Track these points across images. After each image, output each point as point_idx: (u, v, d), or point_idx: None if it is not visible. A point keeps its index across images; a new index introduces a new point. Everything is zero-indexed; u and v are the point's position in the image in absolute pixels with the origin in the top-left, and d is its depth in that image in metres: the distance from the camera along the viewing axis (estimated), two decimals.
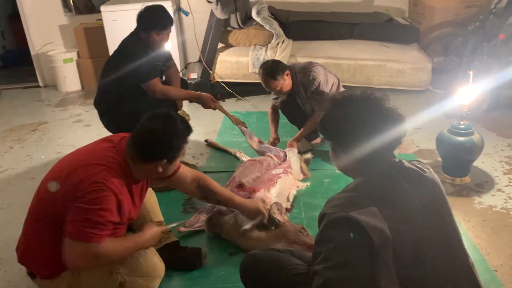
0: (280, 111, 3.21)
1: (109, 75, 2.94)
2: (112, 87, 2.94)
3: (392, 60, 4.11)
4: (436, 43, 4.54)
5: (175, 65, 3.35)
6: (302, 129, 2.98)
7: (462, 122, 2.61)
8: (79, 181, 1.59)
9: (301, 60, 4.02)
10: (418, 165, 1.38)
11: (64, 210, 1.61)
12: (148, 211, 2.18)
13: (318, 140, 3.23)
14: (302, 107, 3.05)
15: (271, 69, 2.82)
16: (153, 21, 2.83)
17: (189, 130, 1.75)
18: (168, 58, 3.26)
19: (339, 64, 4.11)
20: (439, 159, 2.95)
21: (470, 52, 3.92)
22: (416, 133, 3.38)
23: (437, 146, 2.76)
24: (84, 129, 3.85)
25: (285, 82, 2.84)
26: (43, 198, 1.70)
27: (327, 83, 2.87)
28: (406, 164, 1.35)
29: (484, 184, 2.70)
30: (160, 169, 1.71)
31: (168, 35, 2.95)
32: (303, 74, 2.89)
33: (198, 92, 3.08)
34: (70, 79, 4.93)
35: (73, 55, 4.90)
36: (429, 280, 1.23)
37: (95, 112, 4.11)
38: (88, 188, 1.58)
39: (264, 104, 4.15)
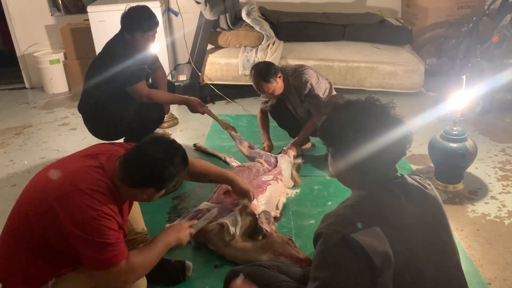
0: (269, 115, 3.13)
1: (93, 79, 2.86)
2: (96, 91, 2.86)
3: (385, 62, 4.04)
4: (429, 45, 4.48)
5: (161, 67, 3.27)
6: (300, 134, 2.90)
7: (455, 128, 2.55)
8: (74, 212, 1.51)
9: (292, 62, 3.96)
10: (420, 181, 1.32)
11: (56, 235, 1.55)
12: (130, 221, 2.10)
13: (308, 145, 3.16)
14: (293, 111, 2.97)
15: (263, 71, 2.73)
16: (137, 22, 2.75)
17: (185, 164, 1.69)
18: (154, 60, 3.19)
19: (330, 66, 4.04)
20: (432, 164, 2.89)
21: (463, 54, 3.86)
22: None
23: (429, 152, 2.69)
24: (70, 133, 3.75)
25: (278, 85, 2.76)
26: (29, 218, 1.59)
27: (320, 86, 2.80)
28: (408, 180, 1.29)
29: (477, 191, 2.63)
30: (145, 196, 1.65)
31: (153, 36, 2.87)
32: (295, 77, 2.81)
33: (185, 96, 2.99)
34: (56, 80, 4.82)
35: (60, 56, 4.79)
36: None
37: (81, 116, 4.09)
38: (87, 220, 1.50)
39: (254, 106, 4.07)
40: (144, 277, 1.84)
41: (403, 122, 1.26)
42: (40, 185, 1.64)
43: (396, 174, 1.29)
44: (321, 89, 2.79)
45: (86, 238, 1.50)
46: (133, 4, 2.87)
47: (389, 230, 1.16)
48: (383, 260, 1.12)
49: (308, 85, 2.77)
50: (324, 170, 2.93)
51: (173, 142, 1.68)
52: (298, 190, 2.69)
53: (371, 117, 1.24)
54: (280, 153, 2.92)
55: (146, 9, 2.92)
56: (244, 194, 2.18)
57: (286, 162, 2.71)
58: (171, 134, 3.62)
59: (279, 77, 2.75)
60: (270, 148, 3.03)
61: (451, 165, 2.58)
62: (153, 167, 1.58)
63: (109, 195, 1.58)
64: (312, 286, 1.17)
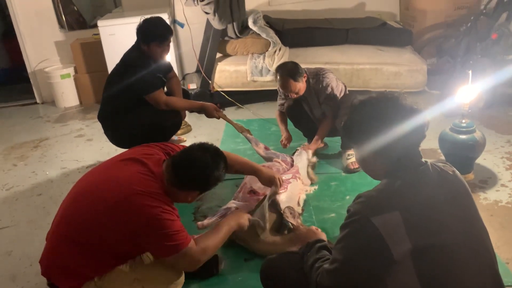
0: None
1: (112, 89, 2.98)
2: (115, 100, 2.97)
3: (388, 63, 4.18)
4: (429, 45, 4.63)
5: (176, 76, 3.40)
6: (319, 133, 3.00)
7: (463, 121, 2.67)
8: (139, 213, 1.65)
9: None
10: (444, 168, 1.40)
11: (116, 235, 1.68)
12: None
13: (321, 145, 3.27)
14: (309, 112, 3.08)
15: (293, 70, 2.81)
16: (153, 33, 2.88)
17: (226, 169, 1.88)
18: (169, 69, 3.31)
19: (335, 69, 4.16)
20: (442, 157, 3.00)
21: (464, 52, 4.00)
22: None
23: (440, 145, 2.81)
24: (87, 144, 3.85)
25: (303, 85, 2.86)
26: (86, 222, 1.71)
27: (338, 89, 2.91)
28: (433, 166, 1.37)
29: (487, 180, 2.75)
30: (189, 198, 1.82)
31: (168, 46, 3.00)
32: (317, 80, 2.91)
33: (201, 102, 3.11)
34: (68, 94, 4.93)
35: (70, 70, 4.91)
36: (456, 286, 1.25)
37: (96, 127, 4.20)
38: (152, 217, 1.65)
39: (264, 111, 4.19)
40: (183, 273, 1.95)
41: (415, 108, 1.36)
42: (93, 190, 1.76)
43: (421, 160, 1.38)
44: (339, 92, 2.91)
45: (155, 232, 1.65)
46: (147, 16, 3.00)
47: (412, 216, 1.25)
48: (398, 247, 1.22)
49: (329, 88, 2.88)
50: (339, 168, 3.04)
51: (218, 149, 1.85)
52: (316, 187, 2.80)
53: (388, 107, 1.34)
54: (296, 151, 3.03)
55: (160, 20, 3.05)
56: (271, 182, 2.29)
57: (302, 161, 2.82)
58: (186, 140, 3.73)
59: (304, 77, 2.86)
60: (289, 139, 3.12)
61: (461, 155, 2.70)
62: (202, 171, 1.75)
63: (163, 195, 1.74)
64: (331, 267, 1.35)
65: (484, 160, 2.95)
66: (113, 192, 1.70)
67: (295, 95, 2.87)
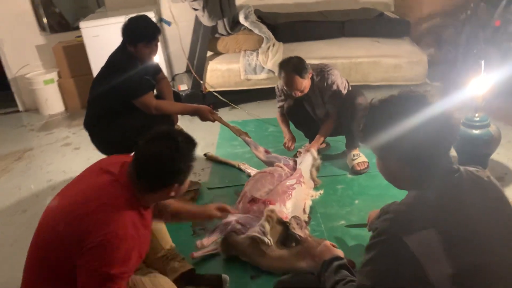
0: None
1: (98, 94, 2.77)
2: (102, 106, 2.76)
3: (387, 56, 4.01)
4: (427, 36, 4.46)
5: (165, 77, 3.18)
6: (322, 132, 2.81)
7: (476, 114, 2.50)
8: (88, 231, 1.41)
9: None
10: (477, 173, 1.23)
11: (69, 255, 1.44)
12: (157, 238, 2.01)
13: (323, 145, 3.09)
14: (311, 112, 2.89)
15: (298, 66, 2.61)
16: (139, 33, 2.67)
17: (194, 145, 1.57)
18: (158, 70, 3.10)
19: (333, 64, 3.95)
20: (453, 153, 2.83)
21: (466, 42, 3.84)
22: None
23: None
24: (74, 153, 3.63)
25: (308, 82, 2.67)
26: (47, 240, 1.50)
27: (342, 86, 2.73)
28: (467, 172, 1.21)
29: (504, 176, 2.59)
30: (173, 193, 1.57)
31: (156, 46, 2.79)
32: (321, 78, 2.72)
33: (194, 104, 2.91)
34: (52, 101, 4.69)
35: (54, 75, 4.66)
36: None
37: (83, 134, 3.95)
38: (99, 240, 1.40)
39: (259, 110, 4.00)
40: None
41: (443, 107, 1.19)
42: (60, 209, 1.55)
43: (453, 167, 1.21)
44: (343, 89, 2.73)
45: (90, 263, 1.39)
46: (132, 15, 2.79)
47: (449, 233, 1.09)
48: (436, 271, 1.06)
49: (334, 86, 2.70)
50: (344, 169, 2.86)
51: (168, 130, 1.57)
52: (322, 191, 2.62)
53: (414, 107, 1.18)
54: (298, 153, 2.84)
55: (147, 19, 2.83)
56: (208, 218, 2.03)
57: (304, 162, 2.63)
58: None
59: (310, 74, 2.66)
60: (293, 140, 2.94)
61: (475, 152, 2.53)
62: (163, 164, 1.48)
63: (129, 209, 1.49)
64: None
65: (497, 154, 2.78)
66: (75, 207, 1.48)
67: (300, 94, 2.66)
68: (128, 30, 2.71)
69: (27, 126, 4.47)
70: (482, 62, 2.42)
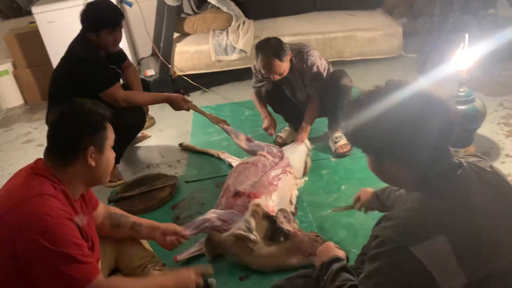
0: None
1: (59, 88, 2.54)
2: (64, 101, 2.53)
3: (362, 29, 3.88)
4: (400, 5, 4.35)
5: (132, 64, 2.99)
6: (306, 121, 2.67)
7: (461, 89, 2.41)
8: (18, 225, 1.27)
9: None
10: (480, 164, 1.13)
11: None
12: (131, 246, 1.87)
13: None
14: (290, 96, 2.74)
15: (277, 48, 2.43)
16: (102, 19, 2.45)
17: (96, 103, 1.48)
18: (123, 58, 2.89)
19: (307, 40, 3.80)
20: None
21: (440, 10, 3.73)
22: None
23: None
24: (37, 150, 3.37)
25: (288, 65, 2.50)
26: None
27: (322, 67, 2.59)
28: (470, 166, 1.10)
29: (490, 151, 2.54)
30: (93, 163, 1.41)
31: (121, 32, 2.58)
32: (300, 59, 2.55)
33: (166, 93, 2.72)
34: (8, 94, 4.35)
35: (8, 66, 4.31)
36: None
37: (46, 129, 3.70)
38: (35, 229, 1.25)
39: (233, 93, 3.82)
40: None
41: (441, 95, 1.09)
42: None
43: (455, 161, 1.11)
44: (323, 70, 2.60)
45: (56, 251, 1.25)
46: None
47: (460, 237, 1.00)
48: (449, 281, 0.97)
49: (315, 68, 2.55)
50: (326, 153, 2.75)
51: (73, 100, 1.48)
52: (306, 179, 2.51)
53: (407, 100, 1.07)
54: (278, 136, 2.72)
55: (108, 2, 2.62)
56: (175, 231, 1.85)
57: (298, 152, 2.50)
58: (150, 136, 3.34)
59: (289, 56, 2.49)
60: (274, 124, 2.79)
61: (461, 128, 2.45)
62: (64, 125, 1.40)
63: (54, 193, 1.34)
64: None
65: (481, 128, 2.72)
66: (1, 205, 1.32)
67: (279, 77, 2.50)
68: (88, 16, 2.48)
69: None
70: (466, 35, 2.31)
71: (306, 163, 2.52)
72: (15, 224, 1.27)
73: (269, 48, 2.42)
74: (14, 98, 4.39)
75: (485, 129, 2.73)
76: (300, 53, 2.55)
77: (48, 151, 1.42)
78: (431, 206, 1.05)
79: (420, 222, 1.03)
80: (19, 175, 1.43)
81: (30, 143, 3.55)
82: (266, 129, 2.79)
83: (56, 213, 1.30)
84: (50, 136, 1.42)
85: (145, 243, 1.92)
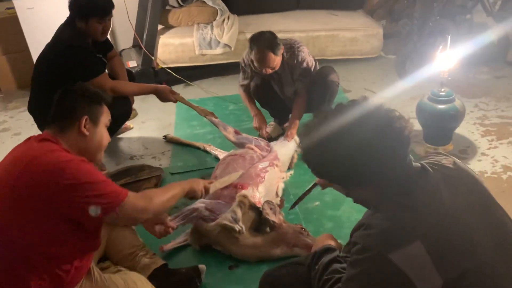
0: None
1: (44, 76, 2.49)
2: (50, 89, 2.46)
3: (344, 29, 3.96)
4: (381, 8, 4.45)
5: (118, 55, 2.96)
6: (294, 117, 2.69)
7: (442, 89, 2.51)
8: (39, 178, 1.33)
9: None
10: (443, 163, 1.15)
11: (39, 225, 1.33)
12: (123, 234, 1.88)
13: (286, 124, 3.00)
14: (278, 91, 2.77)
15: (272, 42, 2.44)
16: (91, 7, 2.42)
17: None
18: (109, 47, 2.86)
19: (290, 38, 3.87)
20: (415, 127, 2.85)
21: (419, 14, 3.85)
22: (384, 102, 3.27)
23: (417, 115, 2.65)
24: (14, 139, 3.28)
25: (280, 59, 2.52)
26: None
27: (310, 64, 2.63)
28: (433, 167, 1.12)
29: (466, 149, 2.65)
30: (86, 132, 1.49)
31: (109, 21, 2.54)
32: (291, 54, 2.58)
33: (153, 84, 2.71)
34: None
35: None
36: None
37: (23, 118, 3.62)
38: (56, 175, 1.32)
39: (216, 87, 3.83)
40: None
41: (389, 110, 1.08)
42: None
43: (418, 167, 1.11)
44: (312, 67, 2.64)
45: (80, 183, 1.33)
46: None
47: (436, 240, 1.02)
48: (427, 283, 1.00)
49: (305, 64, 2.59)
50: None
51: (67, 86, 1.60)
52: (292, 172, 2.55)
53: (360, 126, 1.06)
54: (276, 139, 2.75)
55: None
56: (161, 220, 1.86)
57: (287, 147, 2.53)
58: (132, 127, 3.30)
59: (281, 50, 2.52)
60: (264, 121, 2.81)
61: (441, 126, 2.56)
62: (62, 95, 1.54)
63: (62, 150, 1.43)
64: None
65: (458, 128, 2.84)
66: (13, 168, 1.37)
67: (271, 71, 2.52)
68: (78, 3, 2.44)
69: None
70: (449, 37, 2.41)
71: (293, 158, 2.56)
72: (35, 180, 1.32)
73: (264, 41, 2.44)
74: None
75: (462, 129, 2.85)
76: (291, 48, 2.59)
77: (49, 123, 1.51)
78: (404, 214, 1.06)
79: (397, 230, 1.04)
80: (20, 145, 1.48)
81: (6, 131, 3.45)
82: (257, 129, 2.80)
83: (69, 157, 1.38)
84: (52, 109, 1.52)
85: (134, 233, 1.92)
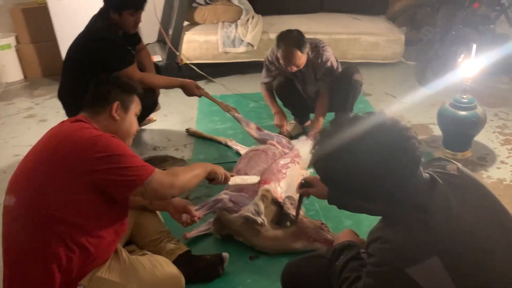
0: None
1: (75, 64, 2.57)
2: (80, 77, 2.56)
3: (366, 33, 4.00)
4: (403, 15, 4.49)
5: (146, 48, 3.02)
6: (318, 115, 2.74)
7: (465, 96, 2.55)
8: (73, 153, 1.41)
9: (274, 36, 3.79)
10: (448, 172, 1.15)
11: (69, 194, 1.40)
12: (150, 220, 1.94)
13: (309, 123, 3.05)
14: (301, 90, 2.83)
15: (299, 40, 2.50)
16: (126, 0, 2.48)
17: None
18: (138, 40, 2.92)
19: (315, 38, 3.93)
20: (434, 133, 2.91)
21: (442, 22, 3.88)
22: (403, 107, 3.31)
23: (438, 121, 2.69)
24: (40, 125, 3.37)
25: (305, 58, 2.57)
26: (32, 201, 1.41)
27: (334, 64, 2.69)
28: (442, 177, 1.11)
29: (485, 157, 2.68)
30: (117, 117, 1.59)
31: (141, 14, 2.61)
32: (316, 53, 2.64)
33: (180, 78, 2.77)
34: (9, 68, 4.31)
35: (11, 40, 4.28)
36: None
37: (49, 105, 3.71)
38: (88, 149, 1.40)
39: (238, 85, 3.89)
40: (181, 274, 1.71)
41: (405, 128, 1.07)
42: (31, 161, 1.49)
43: (426, 178, 1.11)
44: (335, 68, 2.69)
45: (110, 155, 1.40)
46: None
47: (452, 254, 1.03)
48: None
49: (329, 63, 2.64)
50: None
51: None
52: (312, 170, 2.60)
53: (373, 141, 1.05)
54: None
55: None
56: (184, 209, 1.92)
57: (306, 146, 2.58)
58: (155, 120, 3.38)
59: (307, 49, 2.57)
60: (285, 120, 2.85)
61: (461, 133, 2.59)
62: (97, 82, 1.66)
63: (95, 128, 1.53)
64: None
65: (477, 135, 2.87)
66: (49, 144, 1.47)
67: (296, 69, 2.57)
68: None
69: None
70: (474, 45, 2.44)
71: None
72: (69, 153, 1.41)
73: (291, 39, 2.50)
74: (14, 73, 4.35)
75: (482, 137, 2.87)
76: (316, 47, 2.64)
77: (84, 107, 1.62)
78: (421, 229, 1.05)
79: (414, 245, 1.04)
80: (56, 126, 1.57)
81: (32, 118, 3.54)
82: (279, 126, 2.85)
83: (101, 133, 1.47)
84: (88, 95, 1.64)
85: (160, 220, 1.99)
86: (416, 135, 1.07)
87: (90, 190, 1.41)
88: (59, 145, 1.43)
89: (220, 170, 1.80)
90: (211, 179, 1.79)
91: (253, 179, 2.13)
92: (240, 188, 2.23)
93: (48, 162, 1.42)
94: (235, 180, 1.96)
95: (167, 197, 1.59)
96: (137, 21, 2.58)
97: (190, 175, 1.62)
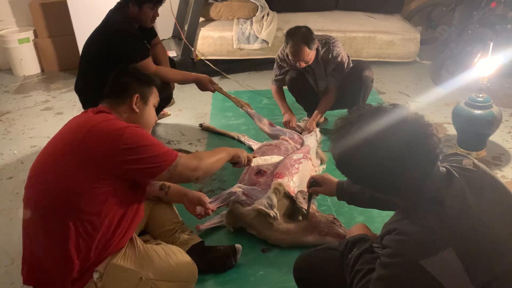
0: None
1: (92, 57, 2.61)
2: (97, 70, 2.60)
3: (381, 32, 3.99)
4: (419, 14, 4.46)
5: (161, 42, 3.04)
6: (318, 110, 2.76)
7: (480, 95, 2.53)
8: (100, 145, 1.45)
9: None
10: (464, 165, 1.16)
11: (91, 181, 1.43)
12: (165, 211, 1.97)
13: (321, 119, 3.06)
14: (313, 85, 2.84)
15: (307, 36, 2.52)
16: None
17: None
18: (154, 34, 2.96)
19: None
20: (449, 132, 2.90)
21: (458, 21, 3.85)
22: (417, 106, 3.30)
23: (453, 120, 2.67)
24: (57, 118, 3.43)
25: (314, 54, 2.60)
26: (52, 189, 1.45)
27: (344, 60, 2.70)
28: (459, 172, 1.12)
29: (500, 156, 2.66)
30: (137, 109, 1.63)
31: (158, 9, 2.64)
32: (326, 49, 2.66)
33: (195, 73, 2.80)
34: (27, 61, 4.39)
35: (29, 34, 4.35)
36: None
37: (65, 98, 3.77)
38: (129, 134, 1.45)
39: (250, 81, 3.91)
40: (195, 264, 1.73)
41: (427, 124, 1.08)
42: (51, 151, 1.52)
43: (442, 172, 1.11)
44: (346, 63, 2.70)
45: (136, 146, 1.45)
46: None
47: (467, 246, 1.04)
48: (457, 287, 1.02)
49: (339, 58, 2.65)
50: None
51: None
52: (324, 166, 2.61)
53: (396, 135, 1.04)
54: (297, 125, 2.82)
55: None
56: (200, 201, 1.94)
57: (312, 141, 2.59)
58: (169, 114, 3.41)
59: (316, 45, 2.59)
60: (294, 119, 2.87)
61: (476, 132, 2.58)
62: (116, 74, 1.69)
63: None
64: None
65: (492, 135, 2.85)
66: (75, 134, 1.49)
67: (304, 65, 2.60)
68: None
69: (1, 87, 4.19)
70: (491, 44, 2.42)
71: (317, 151, 2.59)
72: (98, 142, 1.44)
73: (300, 35, 2.52)
74: (32, 66, 4.43)
75: (497, 137, 2.85)
76: (326, 43, 2.66)
77: (104, 98, 1.65)
78: (437, 221, 1.06)
79: (429, 238, 1.05)
80: (79, 116, 1.61)
81: (49, 110, 3.60)
82: (286, 123, 2.87)
83: (126, 124, 1.50)
84: (107, 86, 1.67)
85: (175, 211, 2.02)
86: (438, 132, 1.07)
87: (114, 178, 1.45)
88: (88, 135, 1.46)
89: (243, 154, 1.86)
90: (235, 162, 1.85)
91: (274, 158, 2.18)
92: (253, 182, 2.25)
93: (75, 152, 1.45)
94: (257, 161, 2.03)
95: (192, 180, 1.62)
96: (155, 15, 2.61)
97: (214, 158, 1.67)
